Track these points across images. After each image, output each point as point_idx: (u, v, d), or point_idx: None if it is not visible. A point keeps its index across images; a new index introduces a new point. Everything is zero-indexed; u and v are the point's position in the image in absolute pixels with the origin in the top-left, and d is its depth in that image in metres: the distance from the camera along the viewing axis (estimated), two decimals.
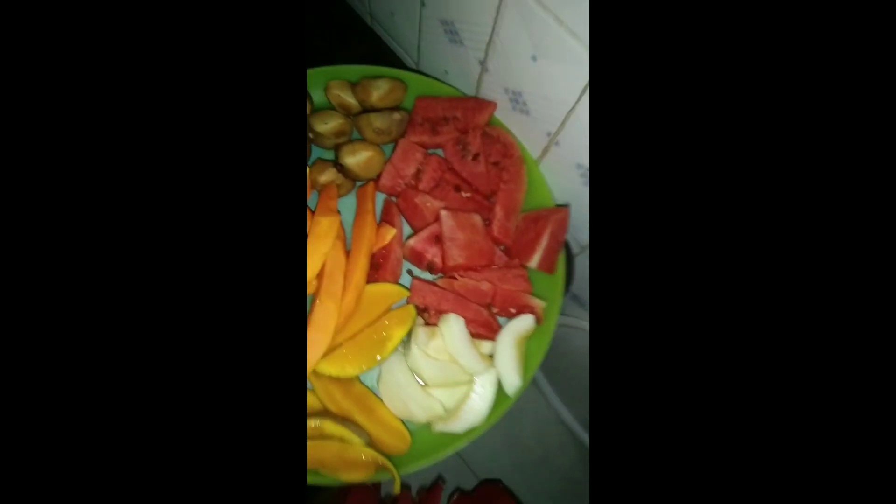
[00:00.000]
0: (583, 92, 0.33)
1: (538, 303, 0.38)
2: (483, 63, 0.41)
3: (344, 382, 0.37)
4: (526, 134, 0.42)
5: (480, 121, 0.42)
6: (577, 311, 0.57)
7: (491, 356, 0.37)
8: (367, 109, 0.44)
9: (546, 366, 0.83)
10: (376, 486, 0.63)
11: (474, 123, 0.42)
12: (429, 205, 0.40)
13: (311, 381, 0.36)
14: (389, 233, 0.40)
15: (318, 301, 0.36)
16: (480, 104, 0.43)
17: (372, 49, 0.54)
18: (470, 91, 0.45)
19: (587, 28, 0.29)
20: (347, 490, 0.55)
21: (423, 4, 0.43)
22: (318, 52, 0.52)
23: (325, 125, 0.42)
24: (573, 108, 0.35)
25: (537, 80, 0.36)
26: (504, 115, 0.43)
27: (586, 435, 0.83)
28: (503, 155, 0.42)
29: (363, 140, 0.43)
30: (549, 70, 0.35)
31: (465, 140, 0.42)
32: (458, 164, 0.42)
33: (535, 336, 0.38)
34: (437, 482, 0.79)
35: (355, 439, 0.34)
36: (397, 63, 0.53)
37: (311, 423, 0.34)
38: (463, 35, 0.41)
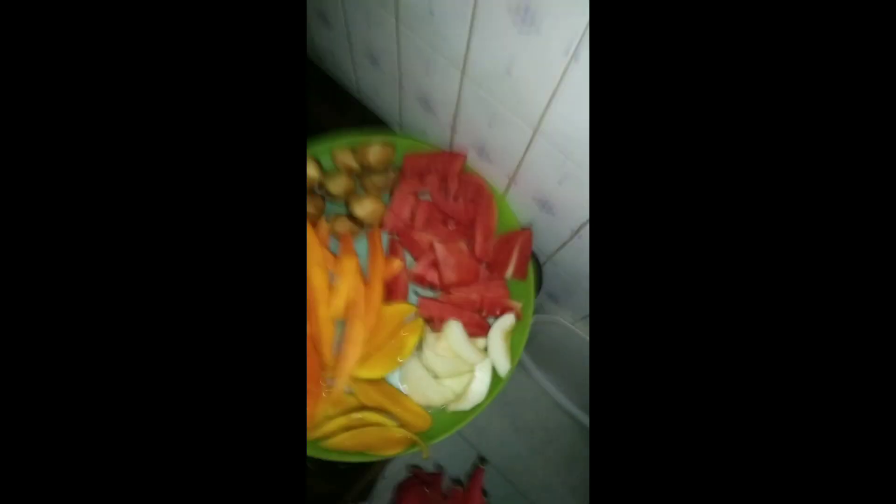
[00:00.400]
0: (527, 147, 0.45)
1: (516, 304, 0.50)
2: (452, 126, 0.53)
3: (375, 382, 0.48)
4: (492, 176, 0.54)
5: (455, 169, 0.54)
6: (552, 307, 0.68)
7: (485, 349, 0.49)
8: (367, 168, 0.56)
9: (536, 358, 0.94)
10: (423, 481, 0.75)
11: (451, 171, 0.54)
12: (424, 238, 0.52)
13: (350, 384, 0.48)
14: (396, 264, 0.51)
15: (349, 323, 0.47)
16: (454, 156, 0.55)
17: (361, 116, 0.66)
18: (445, 146, 0.57)
19: (523, 109, 0.42)
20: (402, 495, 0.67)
21: (400, 86, 0.55)
22: (318, 121, 0.64)
23: (337, 186, 0.54)
24: (522, 156, 0.47)
25: (494, 138, 0.49)
26: (473, 162, 0.55)
27: (584, 415, 0.95)
28: (477, 193, 0.54)
29: (367, 194, 0.54)
30: (501, 132, 0.47)
31: (446, 185, 0.54)
32: (443, 203, 0.54)
33: (517, 329, 0.50)
34: (477, 465, 0.91)
35: (391, 423, 0.45)
36: (383, 126, 0.65)
37: (356, 416, 0.45)
38: (434, 107, 0.53)
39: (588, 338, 0.65)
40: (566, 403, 0.97)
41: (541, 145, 0.44)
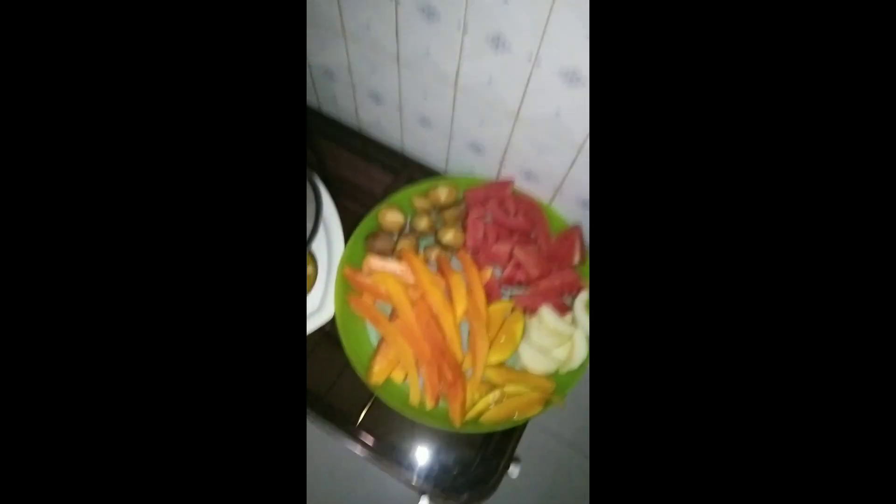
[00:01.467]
0: (570, 165, 0.61)
1: (586, 283, 0.65)
2: (501, 161, 0.69)
3: (502, 367, 0.60)
4: (538, 192, 0.70)
5: (508, 192, 0.70)
6: None
7: (573, 321, 0.63)
8: (439, 206, 0.69)
9: None
10: None
11: (505, 195, 0.69)
12: (502, 249, 0.66)
13: (485, 372, 0.59)
14: (488, 272, 0.64)
15: (470, 325, 0.60)
16: (504, 183, 0.70)
17: (410, 174, 0.80)
18: (492, 176, 0.73)
19: (567, 137, 0.58)
20: None
21: (451, 138, 0.70)
22: (374, 181, 0.77)
23: (422, 224, 0.67)
24: (567, 173, 0.63)
25: (541, 163, 0.65)
26: (521, 184, 0.71)
27: None
28: (529, 207, 0.69)
29: (447, 226, 0.68)
30: (547, 157, 0.63)
31: (504, 206, 0.69)
32: (505, 220, 0.69)
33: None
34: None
35: (526, 390, 0.57)
36: (429, 171, 0.80)
37: (499, 392, 0.57)
38: (485, 150, 0.69)
39: None
40: None
41: (582, 160, 0.60)
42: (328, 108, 0.82)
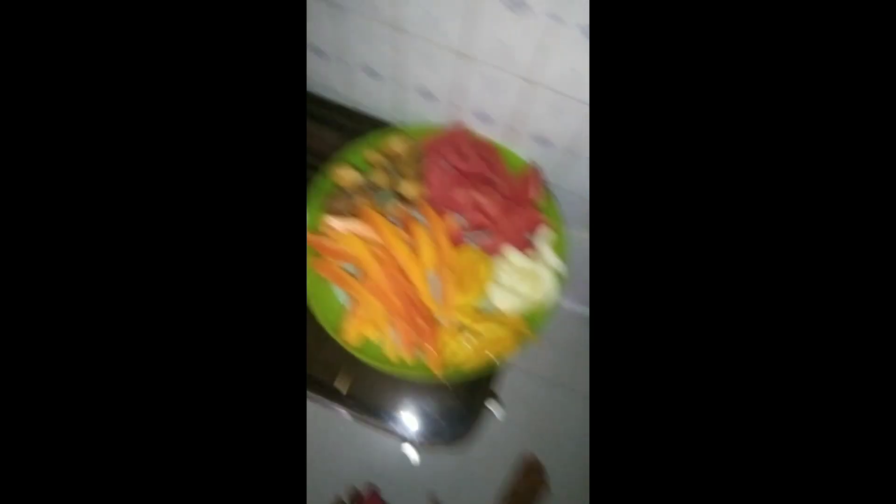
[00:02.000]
0: (521, 102, 0.60)
1: (546, 219, 0.65)
2: (455, 105, 0.66)
3: (474, 311, 0.61)
4: (494, 133, 0.68)
5: (463, 138, 0.68)
6: None
7: (538, 257, 0.64)
8: (394, 158, 0.67)
9: None
10: None
11: (460, 140, 0.68)
12: (461, 195, 0.65)
13: (457, 317, 0.60)
14: (450, 220, 0.64)
15: (438, 273, 0.59)
16: (457, 129, 0.68)
17: (361, 126, 0.76)
18: (444, 122, 0.70)
19: (516, 69, 0.56)
20: None
21: (399, 85, 0.67)
22: (324, 142, 0.73)
23: (381, 179, 0.65)
24: (519, 110, 0.62)
25: (492, 103, 0.63)
26: (477, 127, 0.69)
27: (584, 308, 1.13)
28: (484, 150, 0.68)
29: (406, 179, 0.66)
30: (498, 97, 0.61)
31: (461, 151, 0.67)
32: (463, 166, 0.67)
33: (557, 238, 0.65)
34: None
35: (501, 330, 0.59)
36: (377, 124, 0.76)
37: (473, 332, 0.58)
38: (434, 93, 0.66)
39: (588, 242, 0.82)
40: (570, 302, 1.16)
41: (533, 94, 0.59)
42: None
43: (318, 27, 0.62)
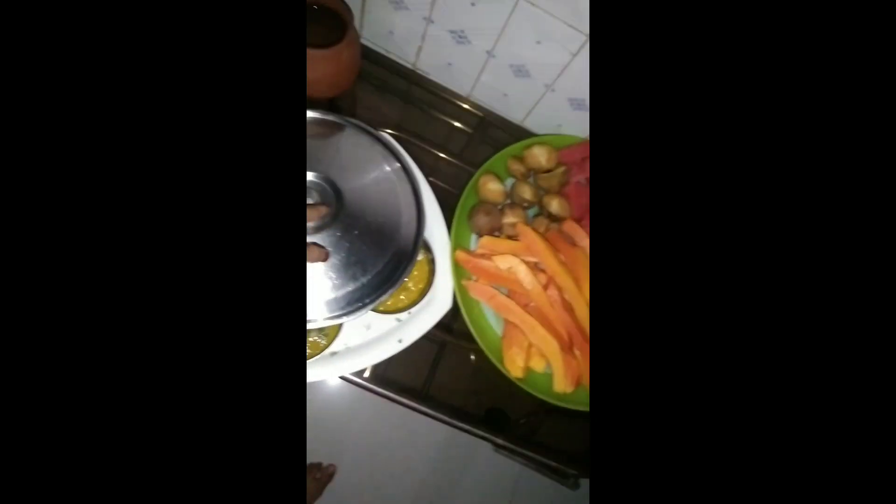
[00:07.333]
0: None
1: None
2: None
3: None
4: None
5: None
6: None
7: None
8: (536, 170, 0.62)
9: None
10: None
11: None
12: None
13: None
14: None
15: None
16: None
17: (472, 118, 0.70)
18: (585, 133, 0.66)
19: None
20: None
21: (551, 90, 0.61)
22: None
23: (527, 193, 0.60)
24: None
25: None
26: None
27: None
28: None
29: (551, 193, 0.61)
30: None
31: None
32: None
33: None
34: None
35: None
36: (505, 125, 0.70)
37: None
38: (586, 102, 0.61)
39: None
40: None
41: None
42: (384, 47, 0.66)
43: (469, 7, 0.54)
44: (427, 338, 0.54)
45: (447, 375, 0.59)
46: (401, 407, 0.56)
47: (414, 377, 0.58)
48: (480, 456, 1.15)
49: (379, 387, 0.55)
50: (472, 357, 0.61)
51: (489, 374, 0.55)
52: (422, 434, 1.14)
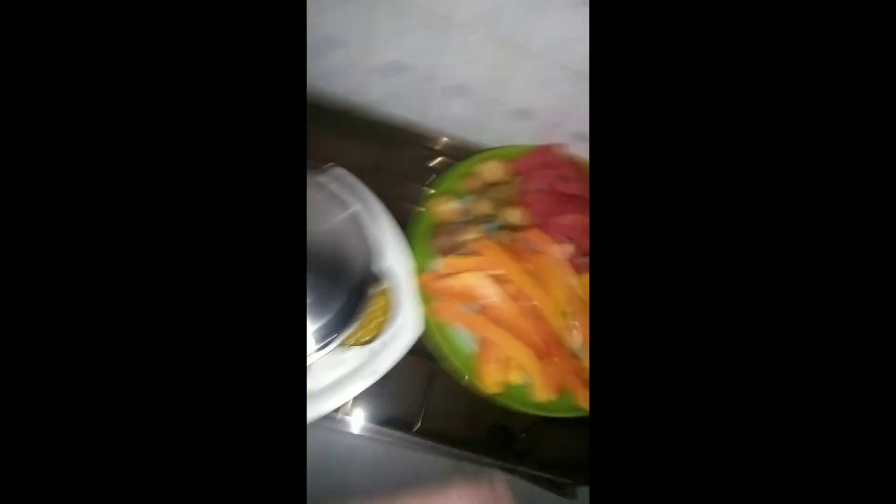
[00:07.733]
0: None
1: None
2: (555, 124, 0.63)
3: None
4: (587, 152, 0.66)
5: (563, 158, 0.65)
6: None
7: None
8: (490, 184, 0.63)
9: None
10: None
11: (561, 160, 0.65)
12: (568, 220, 0.62)
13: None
14: (569, 247, 0.61)
15: (573, 308, 0.57)
16: (557, 148, 0.65)
17: (430, 143, 0.70)
18: (537, 142, 0.67)
19: None
20: None
21: (495, 104, 0.62)
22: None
23: (485, 207, 0.60)
24: None
25: None
26: (573, 146, 0.66)
27: None
28: (584, 171, 0.66)
29: (508, 204, 0.62)
30: None
31: (563, 172, 0.65)
32: (566, 188, 0.64)
33: None
34: None
35: None
36: (459, 146, 0.71)
37: None
38: (535, 114, 0.62)
39: None
40: None
41: None
42: (323, 88, 0.67)
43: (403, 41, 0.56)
44: (414, 366, 0.53)
45: (441, 403, 0.57)
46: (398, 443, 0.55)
47: (406, 409, 0.57)
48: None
49: (374, 426, 0.54)
50: (466, 377, 0.60)
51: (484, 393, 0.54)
52: (427, 463, 1.11)
